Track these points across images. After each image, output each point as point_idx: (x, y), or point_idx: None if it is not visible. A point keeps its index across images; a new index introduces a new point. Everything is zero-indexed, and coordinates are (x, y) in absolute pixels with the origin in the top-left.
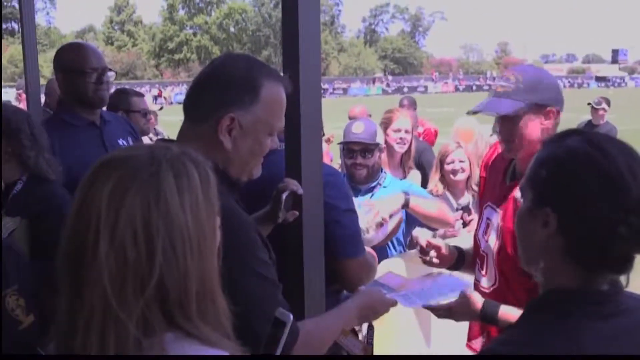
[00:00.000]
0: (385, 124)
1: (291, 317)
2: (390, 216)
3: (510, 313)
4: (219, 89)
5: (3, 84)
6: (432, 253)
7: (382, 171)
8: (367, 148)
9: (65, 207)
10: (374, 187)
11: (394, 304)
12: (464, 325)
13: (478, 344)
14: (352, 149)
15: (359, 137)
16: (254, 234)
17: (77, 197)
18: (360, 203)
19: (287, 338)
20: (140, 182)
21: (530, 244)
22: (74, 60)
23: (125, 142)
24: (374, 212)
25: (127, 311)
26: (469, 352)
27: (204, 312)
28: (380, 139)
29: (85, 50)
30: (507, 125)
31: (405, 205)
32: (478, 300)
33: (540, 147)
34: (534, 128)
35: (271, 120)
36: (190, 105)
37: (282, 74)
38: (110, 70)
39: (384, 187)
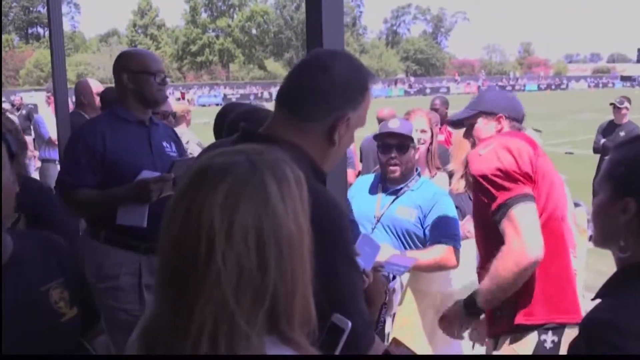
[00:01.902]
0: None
1: (350, 324)
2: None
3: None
4: (339, 90)
5: (29, 87)
6: None
7: (416, 172)
8: (403, 143)
9: (51, 195)
10: (400, 190)
11: None
12: None
13: None
14: (387, 143)
15: (395, 129)
16: (347, 217)
17: (178, 207)
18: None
19: (363, 342)
20: (249, 191)
21: (611, 227)
22: (142, 63)
23: (168, 145)
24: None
25: (244, 316)
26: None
27: (302, 316)
28: (416, 140)
29: (150, 55)
30: (468, 131)
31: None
32: None
33: (612, 151)
34: (487, 130)
35: (365, 116)
36: (300, 103)
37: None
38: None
39: (412, 190)
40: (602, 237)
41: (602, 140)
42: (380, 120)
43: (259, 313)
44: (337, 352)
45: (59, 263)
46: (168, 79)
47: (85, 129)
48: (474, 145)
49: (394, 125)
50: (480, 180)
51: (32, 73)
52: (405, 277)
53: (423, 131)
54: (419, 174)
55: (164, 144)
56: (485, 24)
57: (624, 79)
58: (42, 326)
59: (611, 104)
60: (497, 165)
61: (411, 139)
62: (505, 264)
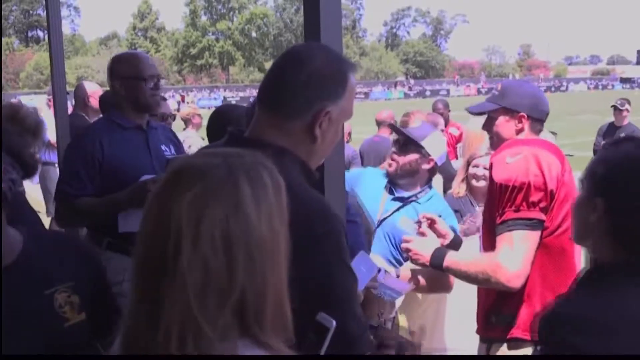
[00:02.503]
0: (402, 127)
1: (334, 323)
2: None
3: (454, 259)
4: (315, 84)
5: (28, 90)
6: (425, 224)
7: (428, 186)
8: (404, 144)
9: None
10: (408, 198)
11: None
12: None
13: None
14: (395, 138)
15: (406, 128)
16: (341, 222)
17: (153, 205)
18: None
19: (358, 346)
20: (220, 193)
21: (583, 225)
22: (133, 68)
23: (167, 148)
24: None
25: (208, 320)
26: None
27: (275, 321)
28: (430, 147)
29: (143, 59)
30: (488, 124)
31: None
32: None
33: (601, 149)
34: (508, 129)
35: (350, 108)
36: (279, 100)
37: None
38: (161, 77)
39: (419, 202)
40: (577, 235)
41: (603, 142)
42: (378, 122)
43: (227, 316)
44: (322, 352)
45: (73, 266)
46: (163, 81)
47: (83, 137)
48: (492, 140)
49: (413, 124)
50: (500, 188)
51: (32, 76)
52: None
53: None
54: (429, 186)
55: (163, 147)
56: (485, 26)
57: (624, 80)
58: (43, 330)
59: (612, 105)
60: (523, 179)
61: (414, 143)
62: (486, 270)
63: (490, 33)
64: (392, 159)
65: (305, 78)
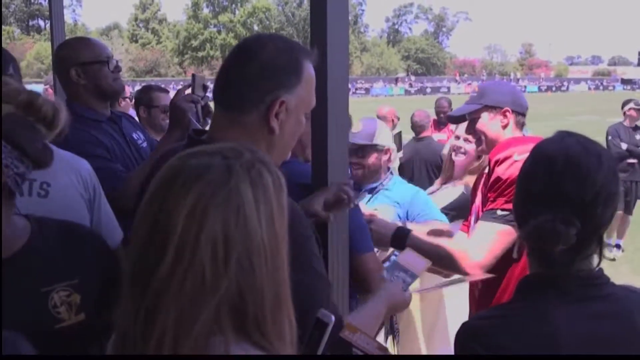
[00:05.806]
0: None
1: (333, 318)
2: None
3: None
4: (266, 74)
5: (29, 80)
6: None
7: (388, 172)
8: (361, 148)
9: None
10: (375, 188)
11: (409, 302)
12: None
13: None
14: (350, 147)
15: (352, 138)
16: (309, 227)
17: (148, 209)
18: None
19: (333, 329)
20: (219, 199)
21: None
22: (92, 52)
23: (137, 136)
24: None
25: (202, 329)
26: None
27: (278, 326)
28: (382, 139)
29: (96, 41)
30: (471, 126)
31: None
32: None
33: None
34: (493, 126)
35: (309, 98)
36: (232, 95)
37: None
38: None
39: (386, 189)
40: None
41: (624, 145)
42: (379, 119)
43: (224, 325)
44: (321, 346)
45: (80, 262)
46: (163, 72)
47: (82, 142)
48: (479, 140)
49: (354, 129)
50: (504, 183)
51: (32, 65)
52: None
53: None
54: (391, 173)
55: (134, 135)
56: (487, 24)
57: (625, 82)
58: (32, 330)
59: (628, 105)
60: None
61: (371, 145)
62: (452, 254)
63: (492, 31)
64: (356, 165)
65: (255, 70)
